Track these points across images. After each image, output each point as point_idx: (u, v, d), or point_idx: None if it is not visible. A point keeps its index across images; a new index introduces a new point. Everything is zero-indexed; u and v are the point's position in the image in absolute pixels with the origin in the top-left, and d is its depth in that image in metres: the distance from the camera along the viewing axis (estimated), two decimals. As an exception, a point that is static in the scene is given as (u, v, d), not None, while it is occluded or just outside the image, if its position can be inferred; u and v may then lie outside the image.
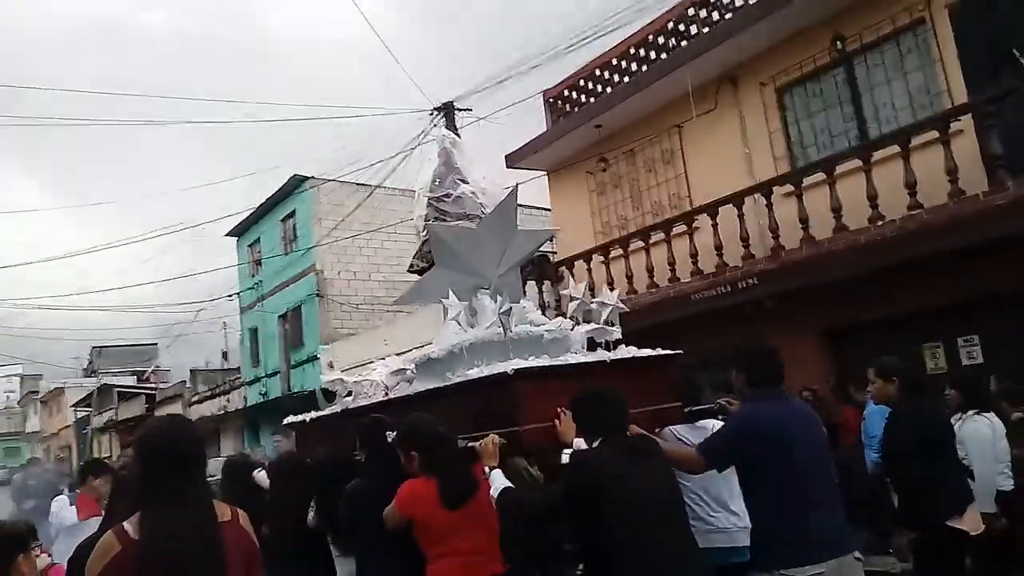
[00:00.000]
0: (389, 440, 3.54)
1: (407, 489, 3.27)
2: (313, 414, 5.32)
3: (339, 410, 4.99)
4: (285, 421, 5.75)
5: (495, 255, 4.54)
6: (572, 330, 4.34)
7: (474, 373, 3.70)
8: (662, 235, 9.93)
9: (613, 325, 4.29)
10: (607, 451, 2.93)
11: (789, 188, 8.61)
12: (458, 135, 13.54)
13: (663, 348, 4.21)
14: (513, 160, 12.72)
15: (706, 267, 9.40)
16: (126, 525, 2.04)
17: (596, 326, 4.30)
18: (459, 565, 3.19)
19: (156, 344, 39.79)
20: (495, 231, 4.58)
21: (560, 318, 4.71)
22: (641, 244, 10.18)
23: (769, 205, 8.63)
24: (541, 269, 11.92)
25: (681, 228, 9.77)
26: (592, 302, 4.38)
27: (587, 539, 2.94)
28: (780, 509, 3.05)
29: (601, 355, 3.92)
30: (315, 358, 20.16)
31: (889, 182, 7.74)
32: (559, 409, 3.35)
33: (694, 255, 9.45)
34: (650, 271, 10.00)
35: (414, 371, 4.60)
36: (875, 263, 7.64)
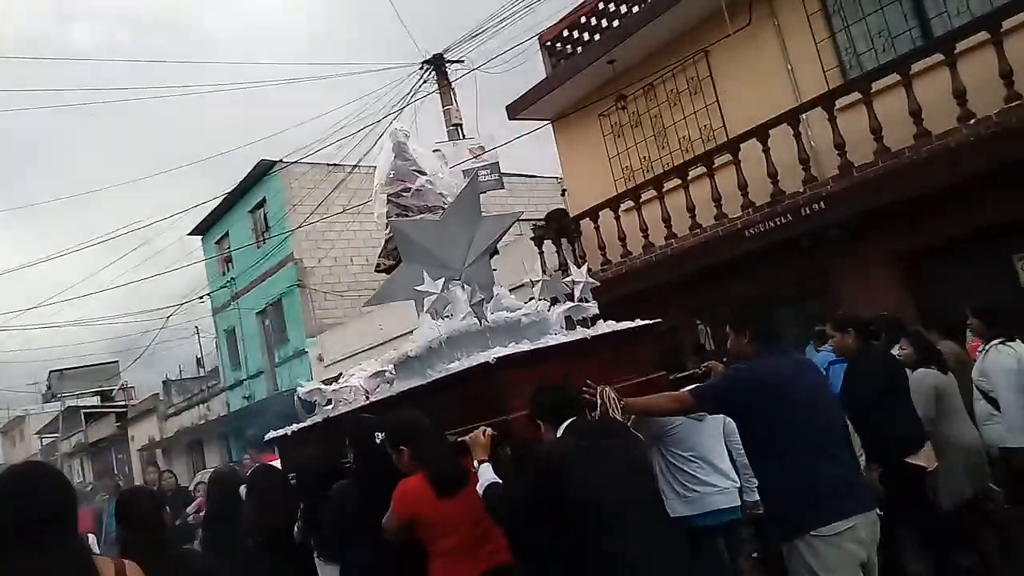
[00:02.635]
0: (378, 441, 3.46)
1: (401, 489, 3.19)
2: (294, 427, 5.14)
3: (320, 420, 4.83)
4: (266, 438, 5.55)
5: (462, 245, 4.43)
6: (549, 311, 4.26)
7: (455, 366, 3.62)
8: (702, 169, 8.96)
9: (588, 301, 4.27)
10: (568, 436, 2.92)
11: (852, 98, 7.71)
12: (452, 89, 12.53)
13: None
14: (515, 111, 11.62)
15: (758, 198, 8.46)
16: None
17: (572, 304, 4.26)
18: (464, 557, 3.15)
19: (117, 361, 38.11)
20: (459, 220, 4.48)
21: (546, 301, 4.48)
22: (678, 182, 9.22)
23: (832, 119, 7.71)
24: (559, 225, 10.91)
25: (724, 158, 8.82)
26: (561, 282, 4.36)
27: (556, 530, 2.84)
28: (794, 464, 2.93)
29: (581, 333, 3.91)
30: (303, 352, 18.88)
31: (973, 78, 6.88)
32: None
33: (743, 186, 8.50)
34: (691, 210, 9.04)
35: (393, 371, 4.53)
36: (967, 169, 6.77)
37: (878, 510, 3.05)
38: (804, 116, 8.06)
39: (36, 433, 42.11)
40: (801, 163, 7.99)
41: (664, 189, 9.37)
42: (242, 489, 4.97)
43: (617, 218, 9.88)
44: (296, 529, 4.04)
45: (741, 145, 8.51)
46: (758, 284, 8.74)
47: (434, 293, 3.94)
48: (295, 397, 5.43)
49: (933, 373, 4.90)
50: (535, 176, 22.49)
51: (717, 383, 3.40)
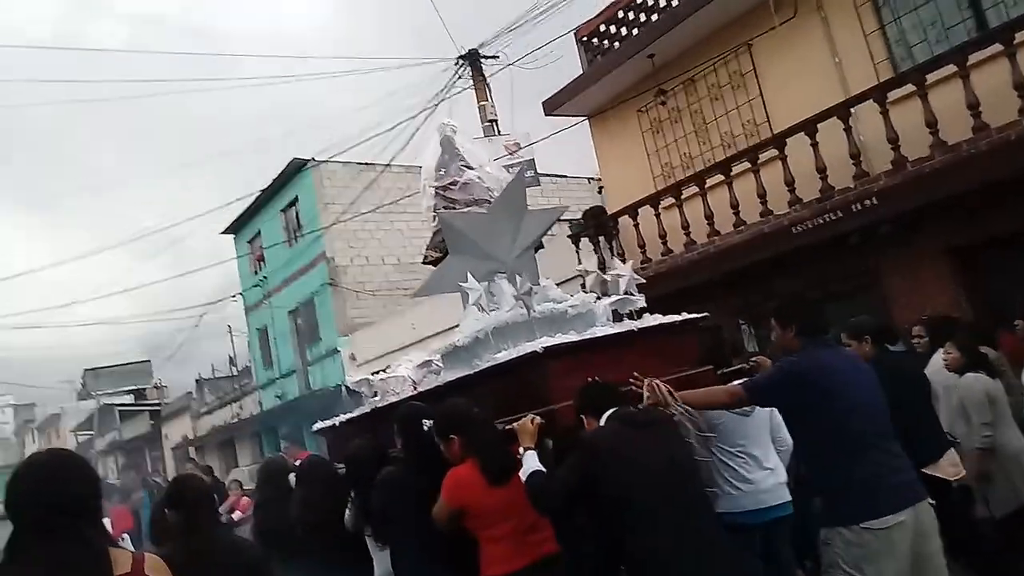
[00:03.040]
0: (426, 429, 3.47)
1: (452, 478, 3.19)
2: (343, 417, 5.17)
3: (368, 410, 4.85)
4: (314, 427, 5.56)
5: (508, 238, 4.50)
6: (595, 303, 4.29)
7: (502, 356, 3.63)
8: (747, 165, 8.76)
9: (633, 294, 4.29)
10: (612, 426, 2.96)
11: (904, 91, 7.47)
12: (487, 85, 12.43)
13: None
14: (551, 107, 11.49)
15: (805, 195, 8.25)
16: None
17: (619, 297, 4.26)
18: (513, 546, 3.15)
19: (149, 361, 38.59)
20: (506, 214, 4.54)
21: (586, 292, 4.61)
22: (721, 178, 9.02)
23: (885, 112, 7.47)
24: (597, 222, 10.76)
25: (769, 154, 8.61)
26: (607, 275, 4.41)
27: (596, 520, 2.96)
28: (844, 457, 2.89)
29: (628, 325, 3.88)
30: (335, 351, 18.90)
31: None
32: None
33: (790, 182, 8.29)
34: (735, 207, 8.84)
35: (440, 362, 4.56)
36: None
37: (930, 499, 2.99)
38: (853, 110, 7.82)
39: (72, 431, 42.79)
40: (851, 158, 7.76)
41: (707, 185, 9.18)
42: (291, 478, 5.02)
43: (657, 215, 9.70)
44: (347, 516, 4.06)
45: (787, 140, 8.29)
46: (805, 282, 8.51)
47: (478, 289, 4.01)
48: (343, 388, 5.58)
49: (983, 378, 4.77)
50: (565, 176, 22.35)
51: (768, 376, 3.34)
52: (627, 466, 2.81)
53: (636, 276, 4.39)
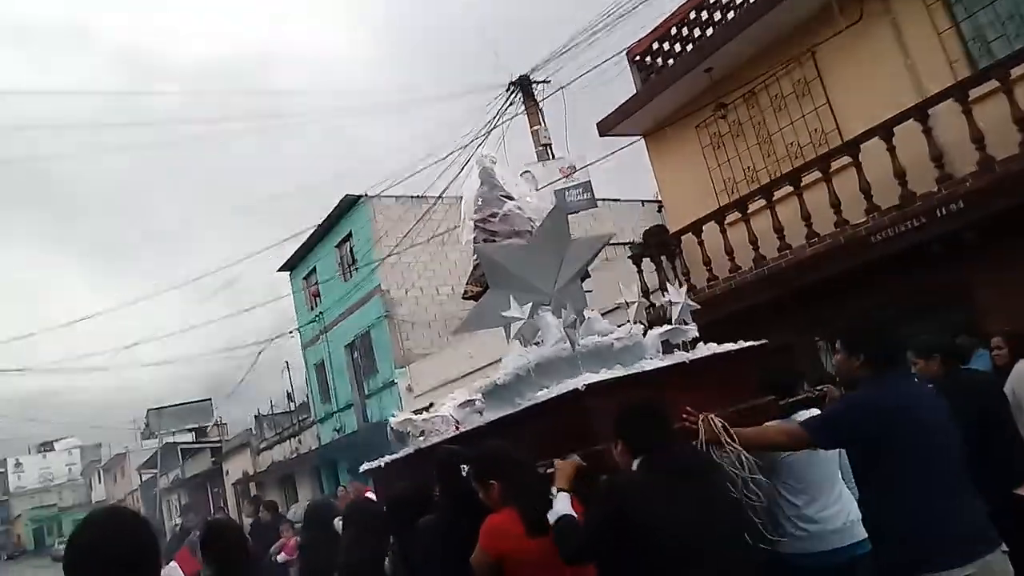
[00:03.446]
0: (464, 474, 3.31)
1: (490, 526, 3.00)
2: (388, 458, 5.06)
3: (412, 451, 4.76)
4: (361, 468, 5.53)
5: (551, 268, 4.36)
6: (644, 335, 4.11)
7: (543, 394, 3.48)
8: (817, 174, 8.41)
9: (687, 323, 4.08)
10: (638, 476, 2.73)
11: (986, 88, 7.08)
12: (540, 110, 12.33)
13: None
14: (606, 127, 11.32)
15: (883, 202, 7.85)
16: None
17: (670, 327, 4.09)
18: None
19: (210, 399, 39.31)
20: (548, 244, 4.41)
21: (636, 323, 4.35)
22: (790, 189, 8.67)
23: (967, 111, 7.09)
24: (659, 241, 10.48)
25: (841, 162, 8.26)
26: (659, 303, 4.25)
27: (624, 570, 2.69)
28: (911, 501, 2.69)
29: (679, 357, 3.70)
30: (392, 384, 18.84)
31: None
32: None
33: (866, 189, 7.91)
34: (807, 218, 8.48)
35: (482, 400, 4.43)
36: None
37: (1004, 546, 2.74)
38: (931, 111, 7.44)
39: (137, 469, 43.71)
40: (933, 161, 7.36)
41: (774, 198, 8.84)
42: (337, 521, 5.02)
43: (723, 231, 9.38)
44: (387, 562, 3.96)
45: (862, 146, 7.93)
46: (885, 295, 8.09)
47: (521, 319, 3.81)
48: (388, 428, 5.44)
49: None
50: (618, 200, 22.12)
51: (830, 413, 3.07)
52: (649, 520, 2.57)
53: (690, 303, 4.15)
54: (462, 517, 3.24)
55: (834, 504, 3.59)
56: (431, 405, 5.61)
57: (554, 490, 2.96)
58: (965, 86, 7.15)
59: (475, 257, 5.00)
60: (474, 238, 5.01)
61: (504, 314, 3.87)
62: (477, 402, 4.58)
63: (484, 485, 3.14)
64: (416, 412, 5.56)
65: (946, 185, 7.31)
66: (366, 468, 5.39)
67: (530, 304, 4.08)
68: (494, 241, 4.85)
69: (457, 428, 4.54)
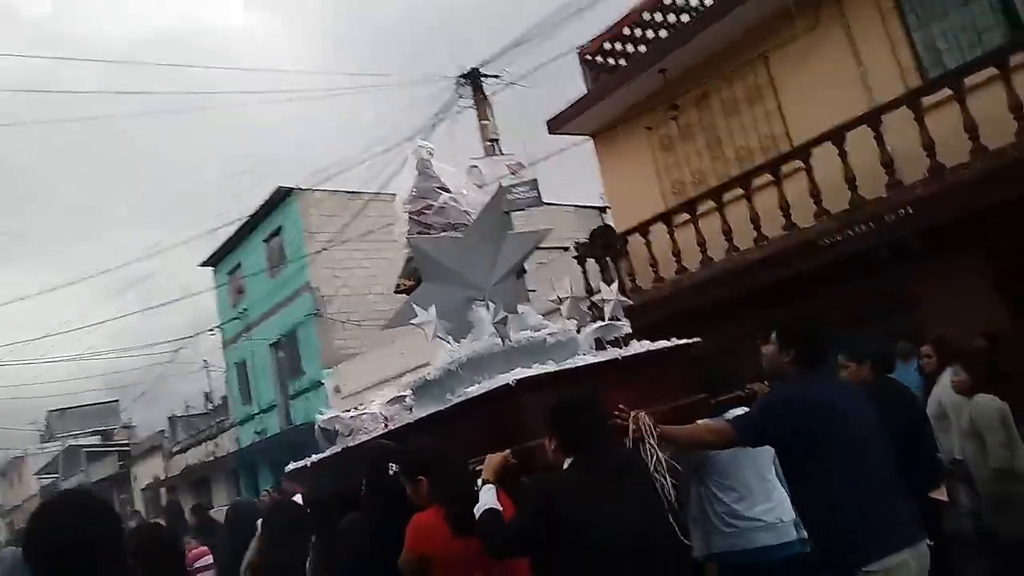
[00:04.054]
0: (392, 472, 3.25)
1: (415, 525, 2.92)
2: (314, 458, 4.93)
3: (339, 449, 4.62)
4: (286, 470, 5.41)
5: (487, 263, 4.22)
6: (578, 332, 4.06)
7: (474, 390, 3.40)
8: (767, 177, 8.40)
9: (619, 320, 4.06)
10: (570, 475, 2.65)
11: (938, 97, 7.18)
12: (489, 104, 12.05)
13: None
14: (556, 125, 11.13)
15: (832, 207, 7.87)
16: None
17: (603, 323, 4.07)
18: None
19: (117, 401, 37.46)
20: (484, 237, 4.27)
21: (576, 319, 4.32)
22: (740, 192, 8.64)
23: (920, 118, 7.15)
24: (605, 241, 10.32)
25: (791, 166, 8.26)
26: (588, 299, 4.26)
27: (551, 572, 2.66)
28: (842, 496, 2.75)
29: (612, 353, 3.65)
30: (319, 384, 18.13)
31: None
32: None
33: (815, 194, 7.92)
34: (755, 221, 8.45)
35: (412, 397, 4.34)
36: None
37: (928, 540, 2.86)
38: (883, 119, 7.50)
39: (35, 474, 41.09)
40: (884, 167, 7.42)
41: (724, 200, 8.79)
42: (260, 523, 4.81)
43: (671, 232, 9.28)
44: (308, 564, 3.82)
45: (813, 150, 7.94)
46: (831, 298, 8.12)
47: (431, 321, 3.72)
48: (316, 427, 5.32)
49: (995, 399, 4.77)
50: (554, 204, 22.00)
51: (758, 412, 3.10)
52: (578, 524, 2.51)
53: (623, 299, 4.16)
54: (390, 516, 3.14)
55: (764, 502, 3.60)
56: (348, 411, 5.38)
57: (479, 482, 2.91)
58: (919, 93, 7.23)
59: (408, 250, 4.89)
60: (407, 231, 4.87)
61: (413, 322, 3.76)
62: (407, 398, 4.47)
63: (413, 481, 3.06)
64: (345, 411, 5.38)
65: (896, 191, 7.36)
66: (291, 469, 5.24)
67: (464, 299, 4.01)
68: (428, 234, 4.72)
69: (386, 425, 4.42)
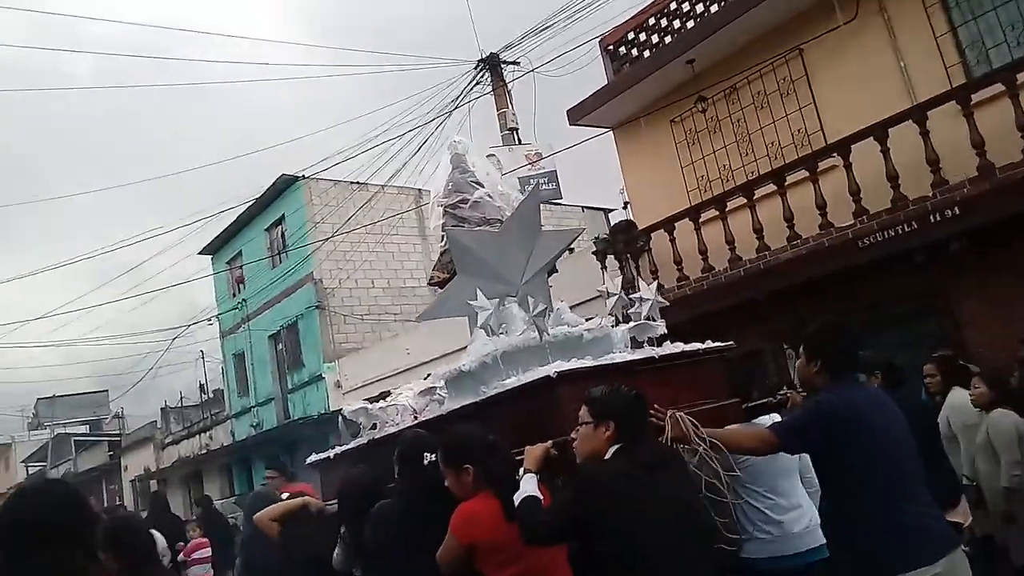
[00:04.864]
0: (427, 462, 3.20)
1: (465, 513, 2.90)
2: (338, 450, 4.86)
3: (365, 442, 4.53)
4: (308, 460, 5.28)
5: (520, 260, 4.21)
6: (614, 328, 4.07)
7: (511, 382, 3.41)
8: (802, 173, 8.09)
9: (655, 320, 4.03)
10: (620, 464, 2.63)
11: (988, 94, 6.89)
12: (508, 92, 11.72)
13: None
14: (576, 116, 10.80)
15: (872, 206, 7.57)
16: None
17: (638, 323, 4.02)
18: None
19: (107, 391, 37.03)
20: (519, 234, 4.27)
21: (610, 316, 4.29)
22: (770, 189, 8.33)
23: (969, 115, 6.86)
24: (627, 237, 9.99)
25: (828, 163, 7.96)
26: (630, 297, 4.14)
27: (595, 567, 2.62)
28: (877, 504, 2.72)
29: (649, 352, 3.65)
30: (319, 378, 17.79)
31: None
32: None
33: (855, 191, 7.62)
34: (789, 220, 8.14)
35: (444, 389, 4.28)
36: None
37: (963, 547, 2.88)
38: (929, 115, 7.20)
39: (23, 461, 40.53)
40: (930, 164, 7.12)
41: (755, 197, 8.48)
42: None
43: (698, 229, 8.97)
44: (336, 554, 3.69)
45: (852, 147, 7.64)
46: (864, 301, 7.84)
47: (488, 309, 3.69)
48: (340, 417, 5.20)
49: (1012, 414, 4.71)
50: (560, 204, 21.70)
51: (799, 419, 3.06)
52: (628, 516, 2.51)
53: (660, 300, 4.11)
54: (426, 505, 3.12)
55: (795, 507, 3.57)
56: (386, 394, 5.25)
57: (520, 471, 2.87)
58: (970, 88, 6.94)
59: (443, 243, 4.89)
60: (443, 224, 4.91)
61: (472, 303, 3.72)
62: (438, 390, 4.39)
63: (457, 469, 3.00)
64: (370, 400, 5.17)
65: (941, 190, 7.06)
66: (313, 460, 5.14)
67: (498, 293, 3.93)
68: (463, 228, 4.75)
69: (415, 417, 4.35)
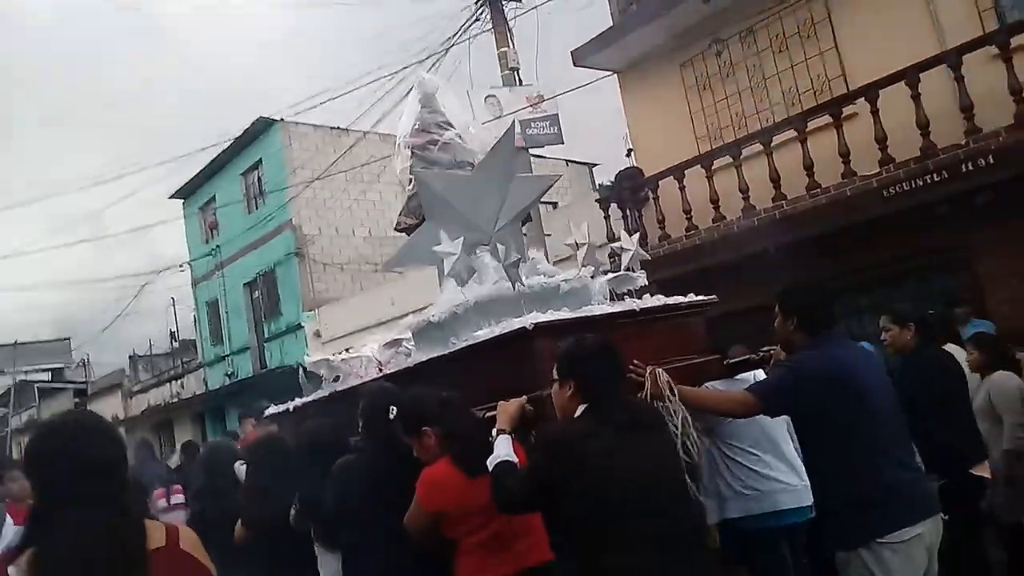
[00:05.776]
0: (392, 416, 3.00)
1: (427, 480, 2.76)
2: (297, 402, 4.70)
3: (326, 394, 4.42)
4: (264, 414, 5.21)
5: (493, 206, 4.01)
6: (592, 279, 3.94)
7: (483, 334, 3.25)
8: (824, 120, 7.77)
9: (635, 271, 3.95)
10: (586, 424, 2.44)
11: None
12: (509, 30, 11.15)
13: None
14: (581, 57, 10.30)
15: (898, 155, 7.28)
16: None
17: (618, 273, 3.98)
18: (497, 552, 2.73)
19: (69, 339, 36.13)
20: (491, 178, 4.04)
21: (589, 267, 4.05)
22: (792, 134, 8.00)
23: (1008, 59, 6.57)
24: (633, 184, 9.64)
25: (852, 109, 7.65)
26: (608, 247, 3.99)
27: (565, 531, 2.51)
28: (859, 467, 2.70)
29: (630, 304, 3.52)
30: (297, 327, 17.31)
31: None
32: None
33: (881, 139, 7.31)
34: (809, 168, 7.83)
35: (411, 340, 4.20)
36: None
37: (942, 513, 2.83)
38: (966, 57, 6.88)
39: (-17, 408, 39.55)
40: (963, 112, 6.83)
41: (772, 144, 8.14)
42: (239, 466, 4.52)
43: (710, 177, 8.63)
44: (293, 512, 3.53)
45: (880, 92, 7.31)
46: (883, 254, 7.63)
47: (455, 254, 3.50)
48: (300, 369, 5.06)
49: (1015, 376, 4.66)
50: (543, 157, 21.20)
51: (778, 379, 2.98)
52: (594, 478, 2.35)
53: (642, 252, 4.03)
54: (391, 462, 3.02)
55: (781, 464, 3.53)
56: (339, 353, 5.00)
57: (494, 431, 2.72)
58: (1010, 32, 6.62)
59: (411, 186, 4.64)
60: (410, 166, 4.65)
61: (436, 249, 3.54)
62: (404, 342, 4.28)
63: (417, 434, 2.90)
64: (335, 353, 5.00)
65: (975, 138, 6.79)
66: (272, 412, 5.02)
67: (469, 241, 3.74)
68: (432, 170, 4.50)
69: (380, 370, 4.20)
